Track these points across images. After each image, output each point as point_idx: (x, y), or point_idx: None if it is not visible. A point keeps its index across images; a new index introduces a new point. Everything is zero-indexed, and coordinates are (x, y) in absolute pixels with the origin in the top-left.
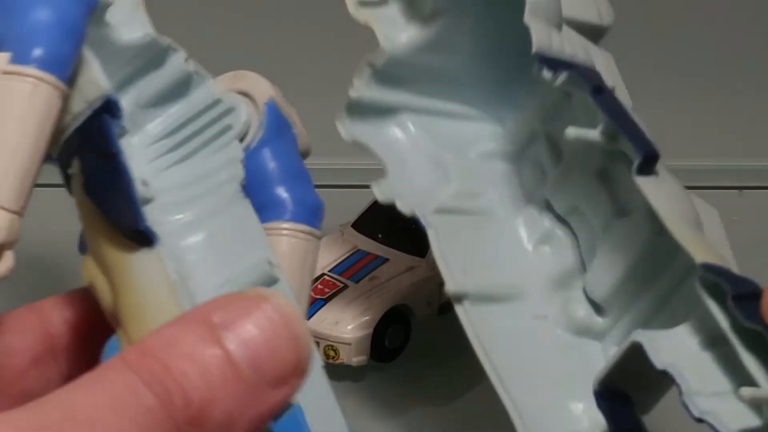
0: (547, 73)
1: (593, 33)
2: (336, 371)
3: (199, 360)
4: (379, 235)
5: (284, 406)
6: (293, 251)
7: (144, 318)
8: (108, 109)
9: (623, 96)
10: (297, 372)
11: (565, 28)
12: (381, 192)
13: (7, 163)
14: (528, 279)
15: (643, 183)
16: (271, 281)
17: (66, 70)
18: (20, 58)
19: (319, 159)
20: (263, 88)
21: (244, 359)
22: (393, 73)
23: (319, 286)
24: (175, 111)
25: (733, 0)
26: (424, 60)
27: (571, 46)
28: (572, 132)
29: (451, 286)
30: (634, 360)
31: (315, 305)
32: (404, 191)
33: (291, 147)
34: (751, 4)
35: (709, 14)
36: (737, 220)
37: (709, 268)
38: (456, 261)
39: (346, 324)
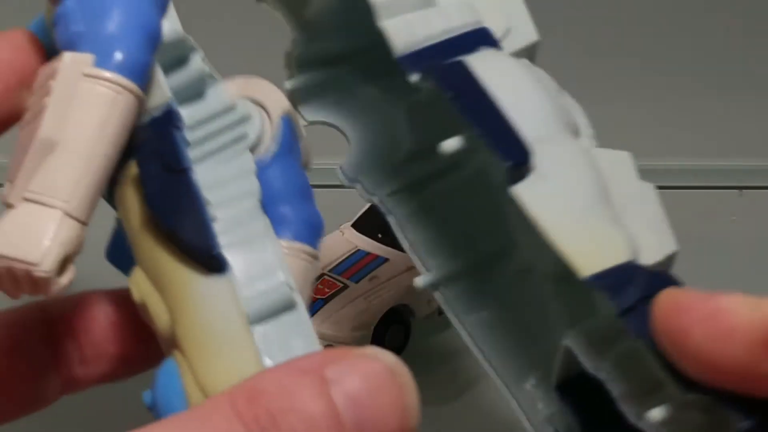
0: (415, 77)
1: None
2: None
3: (309, 416)
4: (379, 235)
5: None
6: (295, 272)
7: (213, 347)
8: (169, 118)
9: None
10: None
11: None
12: (343, 174)
13: (82, 172)
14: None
15: (522, 192)
16: (290, 305)
17: (145, 77)
18: (103, 61)
19: (320, 159)
20: (278, 99)
21: (350, 419)
22: (314, 52)
23: (319, 286)
24: (190, 112)
25: (733, 3)
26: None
27: (445, 17)
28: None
29: (419, 280)
30: (573, 362)
31: (315, 305)
32: (367, 169)
33: (298, 162)
34: (751, 4)
35: (709, 14)
36: (737, 220)
37: (595, 279)
38: (423, 246)
39: (346, 324)
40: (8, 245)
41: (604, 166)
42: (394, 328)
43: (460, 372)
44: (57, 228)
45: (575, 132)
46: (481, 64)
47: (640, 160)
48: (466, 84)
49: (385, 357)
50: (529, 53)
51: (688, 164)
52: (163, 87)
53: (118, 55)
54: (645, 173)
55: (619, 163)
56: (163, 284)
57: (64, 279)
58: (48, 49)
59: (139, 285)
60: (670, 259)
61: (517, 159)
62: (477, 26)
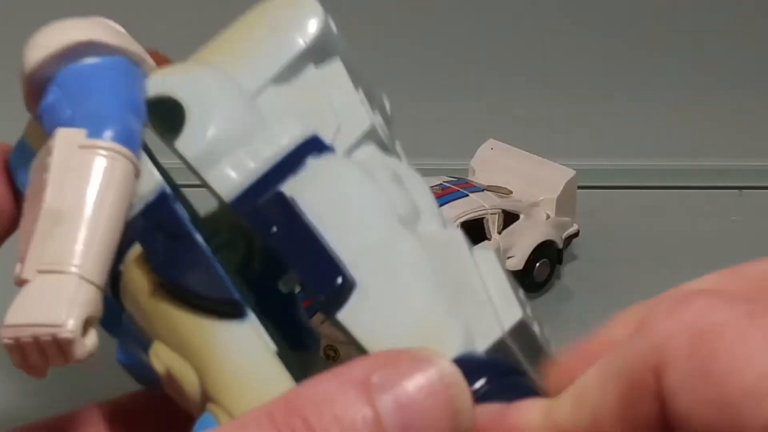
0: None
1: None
2: None
3: (348, 423)
4: None
5: None
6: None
7: (248, 390)
8: (164, 199)
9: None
10: None
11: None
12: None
13: (91, 236)
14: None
15: (344, 318)
16: None
17: (137, 143)
18: (95, 132)
19: None
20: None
21: (394, 425)
22: None
23: None
24: None
25: (733, 1)
26: None
27: (270, 141)
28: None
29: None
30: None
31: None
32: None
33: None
34: (751, 4)
35: (709, 14)
36: (737, 220)
37: None
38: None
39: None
40: (30, 313)
41: (441, 246)
42: None
43: None
44: (75, 290)
45: (413, 218)
46: (302, 186)
47: (641, 160)
48: (283, 217)
49: (437, 360)
50: (368, 137)
51: (688, 164)
52: (153, 172)
53: (110, 126)
54: (645, 173)
55: (454, 242)
56: (186, 346)
57: (89, 341)
58: (18, 182)
59: (160, 356)
60: (516, 329)
61: (328, 290)
62: (305, 137)
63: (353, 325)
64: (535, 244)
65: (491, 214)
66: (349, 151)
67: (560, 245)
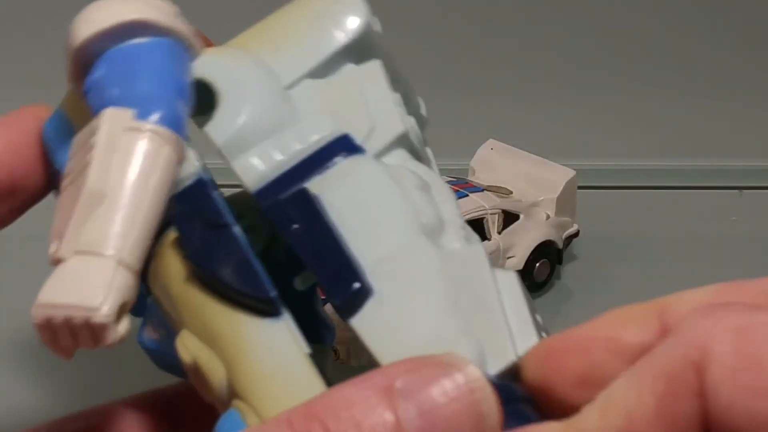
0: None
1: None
2: (336, 371)
3: (368, 428)
4: None
5: None
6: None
7: (279, 390)
8: (202, 184)
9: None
10: None
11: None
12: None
13: (131, 222)
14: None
15: (358, 324)
16: None
17: (183, 128)
18: (143, 114)
19: None
20: None
21: (416, 430)
22: None
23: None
24: None
25: (733, 2)
26: None
27: (299, 136)
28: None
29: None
30: None
31: None
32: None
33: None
34: (750, 5)
35: (709, 15)
36: (737, 220)
37: None
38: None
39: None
40: (65, 294)
41: (461, 261)
42: None
43: None
44: (113, 275)
45: (437, 229)
46: (328, 185)
47: (641, 161)
48: (305, 214)
49: (463, 364)
50: (399, 143)
51: (688, 164)
52: (191, 158)
53: (157, 109)
54: (645, 173)
55: (476, 258)
56: (216, 339)
57: (122, 328)
58: (51, 152)
59: (187, 346)
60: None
61: (344, 294)
62: (335, 136)
63: (365, 332)
64: (535, 244)
65: (491, 214)
66: (380, 154)
67: (560, 245)
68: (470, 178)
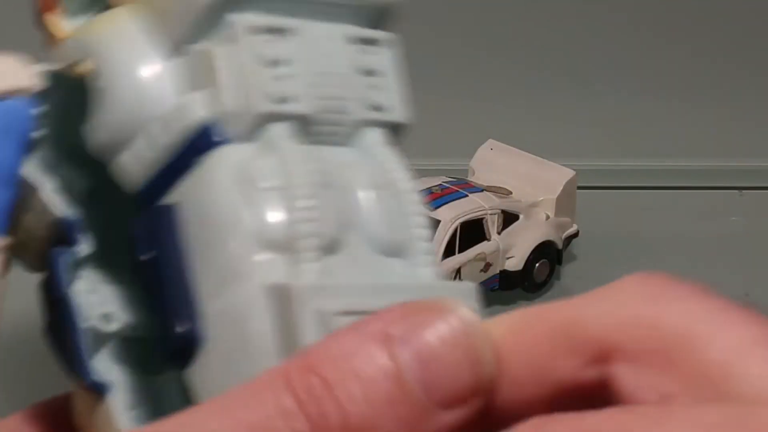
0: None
1: None
2: None
3: (367, 377)
4: None
5: (453, 429)
6: None
7: None
8: (62, 235)
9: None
10: (474, 392)
11: None
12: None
13: None
14: None
15: (190, 377)
16: None
17: (6, 221)
18: None
19: None
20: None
21: (415, 376)
22: None
23: None
24: None
25: (733, 2)
26: None
27: (165, 130)
28: None
29: None
30: None
31: None
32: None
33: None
34: (751, 5)
35: (709, 15)
36: (737, 220)
37: None
38: None
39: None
40: None
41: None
42: None
43: None
44: None
45: (291, 243)
46: (185, 193)
47: (641, 161)
48: (159, 239)
49: (457, 308)
50: (283, 119)
51: (688, 164)
52: (51, 205)
53: None
54: (645, 173)
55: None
56: (80, 410)
57: None
58: None
59: (78, 413)
60: None
61: (170, 347)
62: (198, 125)
63: (199, 390)
64: (534, 245)
65: (491, 214)
66: (249, 137)
67: (560, 245)
68: (470, 178)
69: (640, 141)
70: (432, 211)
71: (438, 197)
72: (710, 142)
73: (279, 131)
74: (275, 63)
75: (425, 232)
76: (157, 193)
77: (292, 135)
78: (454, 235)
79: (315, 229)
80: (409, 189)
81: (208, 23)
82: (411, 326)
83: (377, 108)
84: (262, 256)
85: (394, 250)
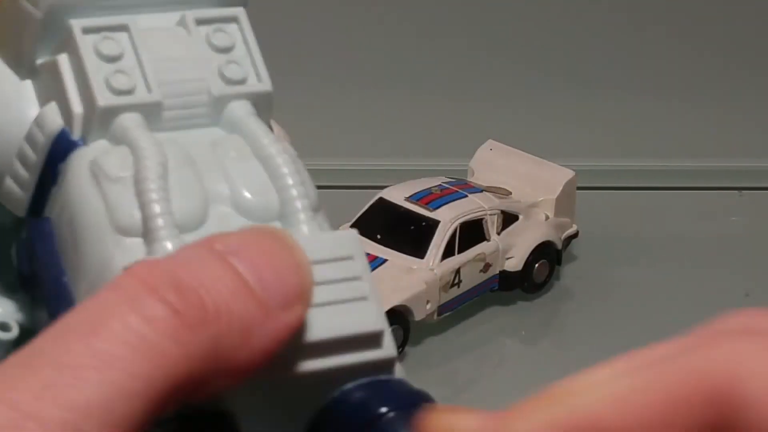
0: None
1: None
2: None
3: (213, 274)
4: (378, 236)
5: (293, 332)
6: None
7: None
8: None
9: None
10: (302, 298)
11: None
12: None
13: None
14: None
15: None
16: None
17: None
18: None
19: (320, 159)
20: None
21: (252, 278)
22: None
23: None
24: None
25: (733, 3)
26: None
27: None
28: None
29: None
30: None
31: None
32: None
33: None
34: (751, 6)
35: (709, 15)
36: (737, 220)
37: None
38: None
39: None
40: None
41: None
42: (393, 329)
43: (458, 372)
44: None
45: (149, 229)
46: (56, 203)
47: (641, 161)
48: (39, 253)
49: (266, 226)
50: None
51: (688, 164)
52: None
53: None
54: (645, 173)
55: None
56: None
57: None
58: None
59: None
60: None
61: None
62: (53, 136)
63: None
64: (534, 245)
65: (490, 215)
66: (101, 134)
67: (559, 246)
68: (469, 179)
69: (640, 141)
70: (431, 211)
71: (437, 198)
72: (710, 142)
73: (127, 122)
74: (114, 58)
75: (300, 191)
76: (39, 210)
77: (142, 124)
78: (453, 236)
79: (166, 208)
80: (277, 153)
81: (48, 36)
82: (234, 241)
83: (237, 82)
84: (123, 243)
85: (271, 214)
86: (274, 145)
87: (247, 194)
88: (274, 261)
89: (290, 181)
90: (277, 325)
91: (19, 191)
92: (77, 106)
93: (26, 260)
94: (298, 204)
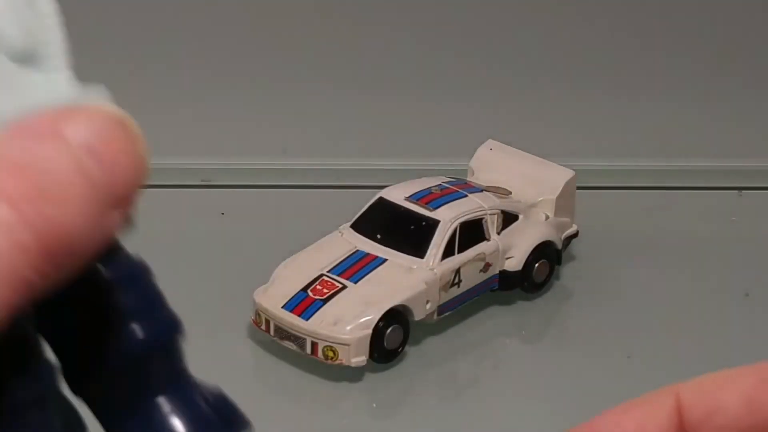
0: None
1: None
2: (335, 372)
3: (57, 172)
4: (379, 236)
5: (128, 212)
6: None
7: None
8: None
9: None
10: (141, 171)
11: None
12: None
13: None
14: None
15: None
16: None
17: None
18: None
19: (319, 159)
20: None
21: (92, 170)
22: None
23: (318, 287)
24: None
25: (733, 3)
26: None
27: None
28: None
29: None
30: None
31: (314, 306)
32: None
33: None
34: (751, 6)
35: (709, 15)
36: (737, 220)
37: None
38: None
39: (345, 324)
40: None
41: None
42: (393, 329)
43: (458, 372)
44: None
45: None
46: None
47: (641, 161)
48: None
49: (113, 109)
50: None
51: (688, 164)
52: None
53: None
54: (645, 173)
55: None
56: None
57: None
58: None
59: None
60: None
61: None
62: None
63: None
64: (534, 245)
65: (490, 214)
66: None
67: (559, 246)
68: (469, 178)
69: (640, 141)
70: (432, 211)
71: (437, 197)
72: (710, 142)
73: None
74: None
75: (57, 35)
76: None
77: None
78: (453, 236)
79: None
80: None
81: None
82: (78, 124)
83: None
84: None
85: (30, 56)
86: None
87: (12, 37)
88: (116, 148)
89: (49, 23)
90: (116, 201)
91: None
92: None
93: None
94: (54, 49)
